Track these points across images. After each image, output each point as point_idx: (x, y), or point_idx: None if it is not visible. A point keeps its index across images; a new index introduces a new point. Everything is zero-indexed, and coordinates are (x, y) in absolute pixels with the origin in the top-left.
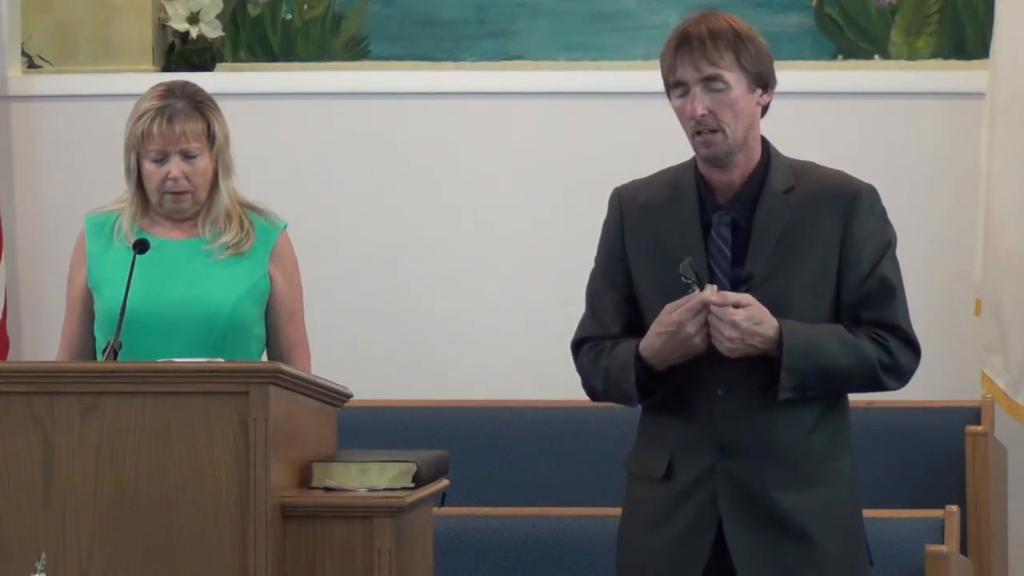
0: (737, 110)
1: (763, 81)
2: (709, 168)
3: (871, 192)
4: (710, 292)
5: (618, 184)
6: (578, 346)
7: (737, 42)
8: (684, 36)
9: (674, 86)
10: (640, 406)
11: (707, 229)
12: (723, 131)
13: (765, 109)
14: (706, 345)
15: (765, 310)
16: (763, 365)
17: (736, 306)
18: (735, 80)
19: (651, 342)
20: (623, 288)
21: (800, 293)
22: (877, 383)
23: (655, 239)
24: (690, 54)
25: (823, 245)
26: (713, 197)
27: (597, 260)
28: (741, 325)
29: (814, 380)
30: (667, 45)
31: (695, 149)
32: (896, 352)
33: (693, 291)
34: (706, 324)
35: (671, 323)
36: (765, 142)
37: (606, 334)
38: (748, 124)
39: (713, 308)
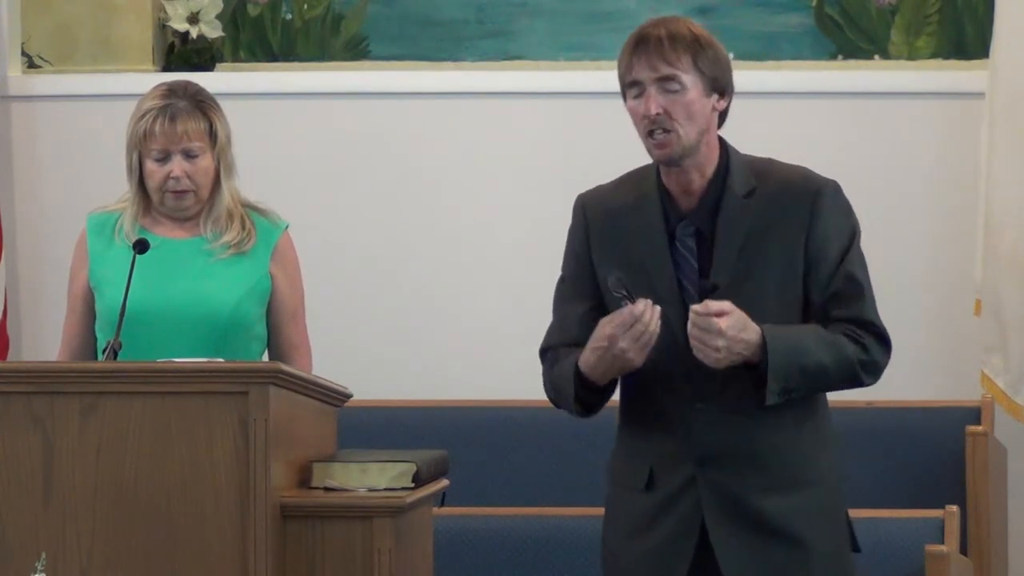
0: (692, 112)
1: (720, 87)
2: (667, 173)
3: (833, 188)
4: (643, 305)
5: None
6: (543, 355)
7: (695, 45)
8: (642, 37)
9: (629, 86)
10: (584, 417)
11: (672, 238)
12: (676, 132)
13: (723, 116)
14: (642, 360)
15: (746, 316)
16: (741, 375)
17: (719, 314)
18: (691, 82)
19: (587, 357)
20: (589, 298)
21: (768, 298)
22: (855, 380)
23: (620, 245)
24: (647, 54)
25: (787, 247)
26: (676, 205)
27: (563, 267)
28: (727, 333)
29: (798, 382)
30: (625, 46)
31: (649, 151)
32: (871, 348)
33: (624, 305)
34: (640, 339)
35: (604, 338)
36: (723, 145)
37: (570, 342)
38: (703, 128)
39: (696, 319)
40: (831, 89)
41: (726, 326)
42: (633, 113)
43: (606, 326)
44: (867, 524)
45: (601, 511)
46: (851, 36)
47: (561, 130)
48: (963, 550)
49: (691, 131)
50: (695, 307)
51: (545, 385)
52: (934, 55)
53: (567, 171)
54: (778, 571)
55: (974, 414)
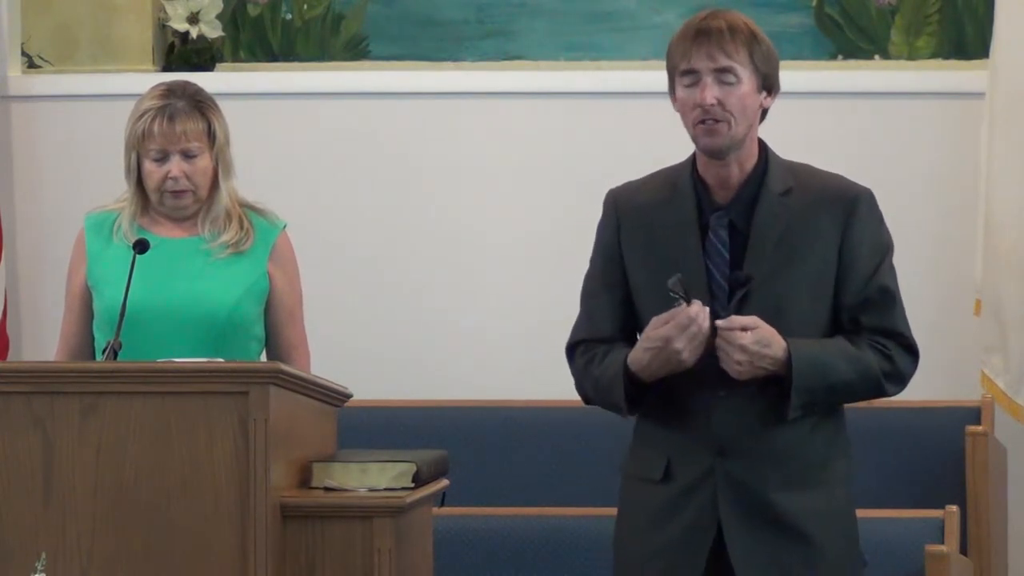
0: (744, 106)
1: (770, 84)
2: (707, 166)
3: (869, 196)
4: (697, 307)
5: (617, 184)
6: (572, 349)
7: (752, 41)
8: (703, 27)
9: (684, 74)
10: (630, 415)
11: (704, 230)
12: (728, 122)
13: (764, 114)
14: (694, 361)
15: (773, 331)
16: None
17: (743, 329)
18: (747, 76)
19: (639, 357)
20: (618, 290)
21: (799, 296)
22: (880, 391)
23: (651, 240)
24: (708, 44)
25: (822, 248)
26: (711, 197)
27: (592, 262)
28: (750, 348)
29: (821, 397)
30: (682, 35)
31: (696, 139)
32: (897, 359)
33: (679, 305)
34: (695, 340)
35: (659, 338)
36: (763, 145)
37: (600, 337)
38: (750, 123)
39: (721, 332)
40: (831, 89)
41: (749, 342)
42: (684, 102)
43: (660, 327)
44: (867, 524)
45: (602, 511)
46: (851, 36)
47: (561, 130)
48: (963, 550)
49: (741, 124)
50: (720, 322)
51: (579, 382)
52: (934, 55)
53: (567, 171)
54: (788, 568)
55: (974, 414)
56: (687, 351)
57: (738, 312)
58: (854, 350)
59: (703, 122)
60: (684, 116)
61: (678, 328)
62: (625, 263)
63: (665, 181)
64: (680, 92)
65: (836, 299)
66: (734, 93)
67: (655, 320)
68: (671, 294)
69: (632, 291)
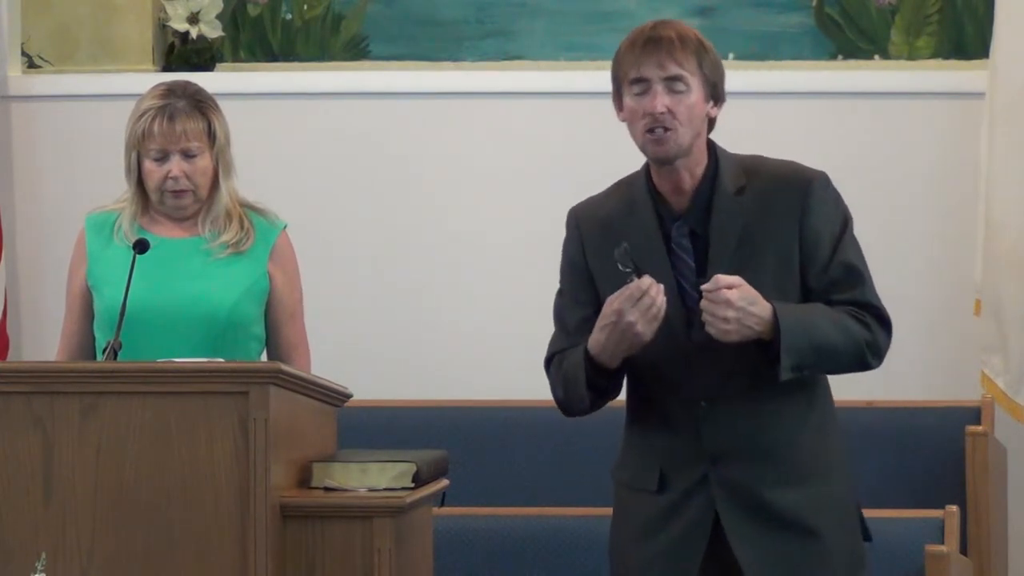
0: (692, 115)
1: (717, 94)
2: (659, 175)
3: (823, 179)
4: (649, 279)
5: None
6: (548, 362)
7: (701, 50)
8: (652, 36)
9: (633, 83)
10: (592, 410)
11: (668, 240)
12: (675, 130)
13: (712, 124)
14: (651, 334)
15: (755, 292)
16: (744, 370)
17: (728, 288)
18: (696, 85)
19: (596, 337)
20: (590, 305)
21: (768, 291)
22: (863, 362)
23: None
24: (658, 53)
25: (782, 240)
26: (668, 207)
27: (561, 280)
28: (736, 304)
29: (810, 359)
30: (630, 44)
31: (644, 148)
32: (875, 330)
33: (632, 280)
34: (648, 311)
35: (612, 313)
36: (712, 145)
37: (576, 347)
38: (697, 132)
39: (706, 294)
40: (831, 89)
41: (736, 297)
42: (633, 111)
43: (614, 301)
44: (867, 524)
45: (602, 511)
46: (851, 36)
47: (561, 130)
48: (963, 550)
49: (688, 132)
50: (706, 285)
51: (553, 388)
52: (934, 55)
53: (567, 171)
54: (795, 563)
55: (974, 414)
56: (640, 323)
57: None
58: (836, 313)
59: (651, 131)
60: (632, 125)
61: (629, 300)
62: (594, 279)
63: (623, 194)
64: (629, 101)
65: (804, 287)
66: (684, 101)
67: (609, 298)
68: (619, 267)
69: (604, 304)
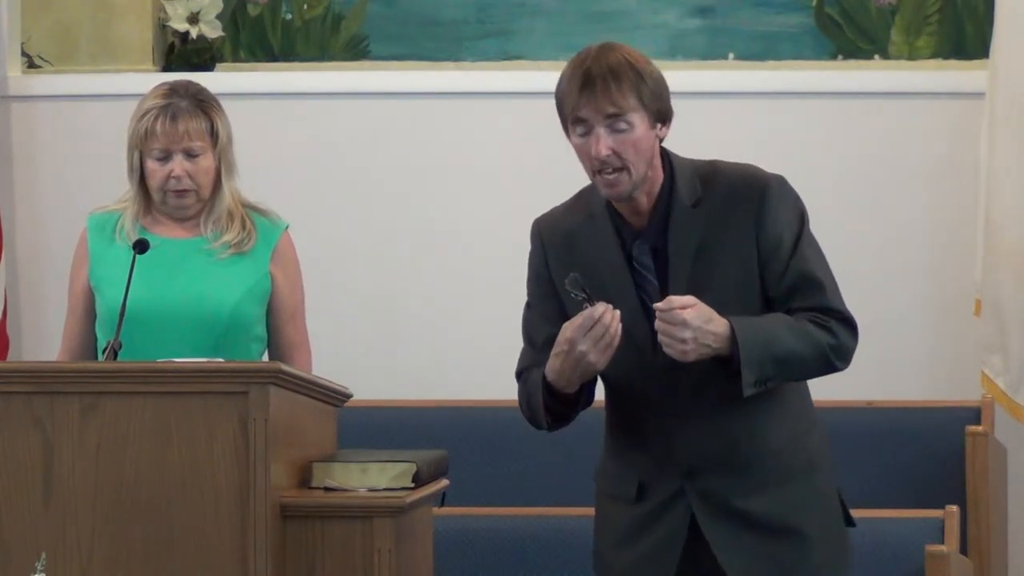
0: (640, 149)
1: (663, 116)
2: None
3: (778, 182)
4: (602, 307)
5: None
6: (518, 377)
7: (638, 80)
8: (587, 76)
9: (575, 123)
10: (553, 430)
11: (629, 258)
12: (627, 169)
13: (662, 139)
14: (604, 363)
15: (711, 310)
16: (710, 383)
17: (682, 308)
18: (638, 119)
19: (551, 364)
20: (556, 321)
21: (729, 303)
22: (828, 365)
23: (580, 268)
24: (593, 95)
25: (740, 249)
26: (628, 225)
27: (528, 293)
28: (693, 323)
29: (773, 370)
30: (568, 79)
31: (597, 188)
32: (838, 332)
33: (584, 308)
34: (600, 341)
35: (564, 341)
36: (665, 156)
37: (542, 364)
38: (649, 159)
39: (660, 313)
40: (831, 89)
41: (691, 316)
42: (580, 151)
43: (566, 330)
44: (867, 524)
45: None
46: (851, 36)
47: (561, 130)
48: (963, 550)
49: (640, 165)
50: (658, 304)
51: (520, 405)
52: (934, 55)
53: (567, 171)
54: (780, 563)
55: (974, 414)
56: (593, 353)
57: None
58: (796, 323)
59: (600, 173)
60: (583, 163)
61: (581, 330)
62: (559, 292)
63: (583, 208)
64: (574, 139)
65: (765, 295)
66: (627, 140)
67: (564, 325)
68: (572, 295)
69: (569, 314)
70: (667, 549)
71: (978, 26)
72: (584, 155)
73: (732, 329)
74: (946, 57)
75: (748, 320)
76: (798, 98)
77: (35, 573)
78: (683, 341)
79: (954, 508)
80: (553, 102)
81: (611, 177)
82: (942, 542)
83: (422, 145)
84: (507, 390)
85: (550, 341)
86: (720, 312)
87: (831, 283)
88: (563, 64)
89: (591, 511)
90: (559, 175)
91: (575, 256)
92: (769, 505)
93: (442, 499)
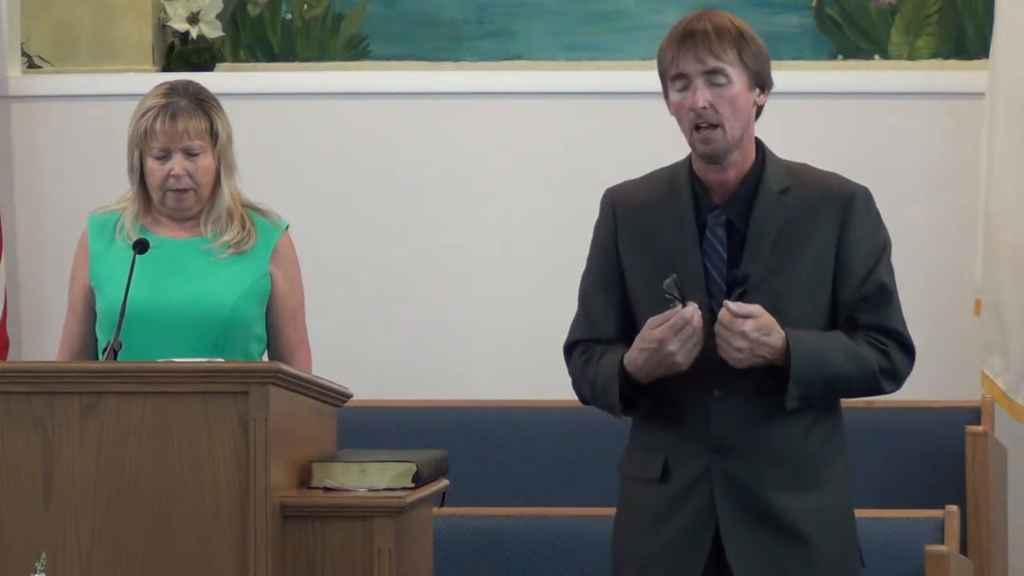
0: (737, 106)
1: (762, 81)
2: (705, 167)
3: (866, 195)
4: (692, 309)
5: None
6: (570, 349)
7: (740, 39)
8: (688, 30)
9: (674, 79)
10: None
11: (702, 229)
12: (723, 126)
13: (759, 111)
14: (689, 363)
15: (773, 320)
16: (762, 369)
17: (746, 317)
18: (737, 76)
19: (634, 357)
20: (616, 290)
21: (796, 295)
22: (876, 388)
23: (649, 240)
24: (694, 47)
25: (819, 247)
26: (708, 197)
27: (589, 261)
28: (751, 335)
29: (819, 389)
30: (668, 39)
31: (693, 146)
32: (894, 356)
33: (675, 307)
34: (688, 341)
35: (653, 340)
36: (759, 143)
37: (598, 337)
38: (745, 123)
39: (722, 319)
40: (831, 89)
41: (750, 328)
42: (678, 107)
43: (655, 329)
44: (867, 524)
45: (602, 510)
46: (851, 36)
47: (561, 130)
48: (963, 550)
49: (736, 125)
50: (728, 303)
51: (576, 382)
52: (934, 55)
53: (567, 171)
54: (786, 568)
55: (974, 414)
56: (681, 353)
57: None
58: (853, 345)
59: (698, 128)
60: (680, 122)
61: (672, 330)
62: (622, 262)
63: (662, 180)
64: (673, 97)
65: (833, 297)
66: (725, 94)
67: (651, 321)
68: (666, 295)
69: (629, 291)
70: (696, 536)
71: (978, 26)
72: (682, 110)
73: (788, 342)
74: (946, 57)
75: (805, 336)
76: (798, 98)
77: (35, 573)
78: (739, 350)
79: (954, 508)
80: (553, 102)
81: (707, 133)
82: (942, 542)
83: (422, 145)
84: (507, 390)
85: (607, 312)
86: (785, 301)
87: (899, 305)
88: (563, 64)
89: (592, 511)
90: (559, 175)
91: (645, 226)
92: (787, 506)
93: (442, 499)
